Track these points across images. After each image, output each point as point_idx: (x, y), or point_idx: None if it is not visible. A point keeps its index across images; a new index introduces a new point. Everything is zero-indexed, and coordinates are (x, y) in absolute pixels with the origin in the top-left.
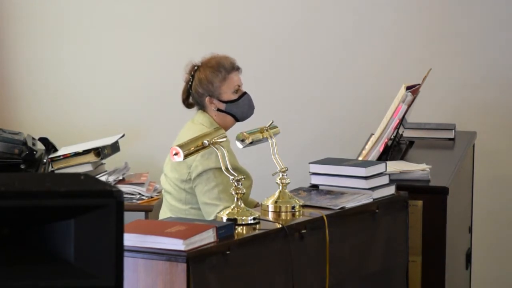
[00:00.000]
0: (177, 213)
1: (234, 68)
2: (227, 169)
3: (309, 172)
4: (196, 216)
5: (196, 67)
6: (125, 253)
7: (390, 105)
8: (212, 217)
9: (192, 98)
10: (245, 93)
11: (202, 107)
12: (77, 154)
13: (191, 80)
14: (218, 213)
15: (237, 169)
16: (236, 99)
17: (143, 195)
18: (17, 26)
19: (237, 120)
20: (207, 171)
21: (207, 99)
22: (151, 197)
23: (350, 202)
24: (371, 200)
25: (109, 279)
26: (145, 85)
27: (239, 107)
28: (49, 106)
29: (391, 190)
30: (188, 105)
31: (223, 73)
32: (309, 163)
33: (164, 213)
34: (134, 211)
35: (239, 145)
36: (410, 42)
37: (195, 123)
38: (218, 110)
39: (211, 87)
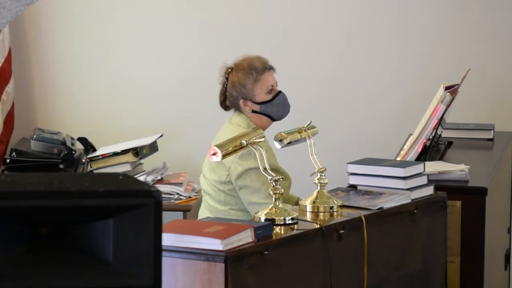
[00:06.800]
0: (216, 213)
1: (266, 68)
2: (265, 169)
3: (347, 172)
4: (235, 217)
5: (229, 70)
6: (164, 253)
7: (429, 105)
8: None
9: (228, 100)
10: (279, 92)
11: (238, 109)
12: (115, 154)
13: (226, 82)
14: (256, 213)
15: (276, 169)
16: (270, 99)
17: (181, 195)
18: (57, 26)
19: (273, 119)
20: (247, 171)
21: (241, 101)
22: (189, 197)
23: (388, 203)
24: (410, 200)
25: (148, 279)
26: (184, 85)
27: (273, 107)
28: (88, 106)
29: (429, 190)
30: (225, 107)
31: (255, 75)
32: (347, 163)
33: (203, 213)
34: (172, 211)
35: (277, 145)
36: (449, 42)
37: (233, 124)
38: (253, 111)
39: (243, 89)
